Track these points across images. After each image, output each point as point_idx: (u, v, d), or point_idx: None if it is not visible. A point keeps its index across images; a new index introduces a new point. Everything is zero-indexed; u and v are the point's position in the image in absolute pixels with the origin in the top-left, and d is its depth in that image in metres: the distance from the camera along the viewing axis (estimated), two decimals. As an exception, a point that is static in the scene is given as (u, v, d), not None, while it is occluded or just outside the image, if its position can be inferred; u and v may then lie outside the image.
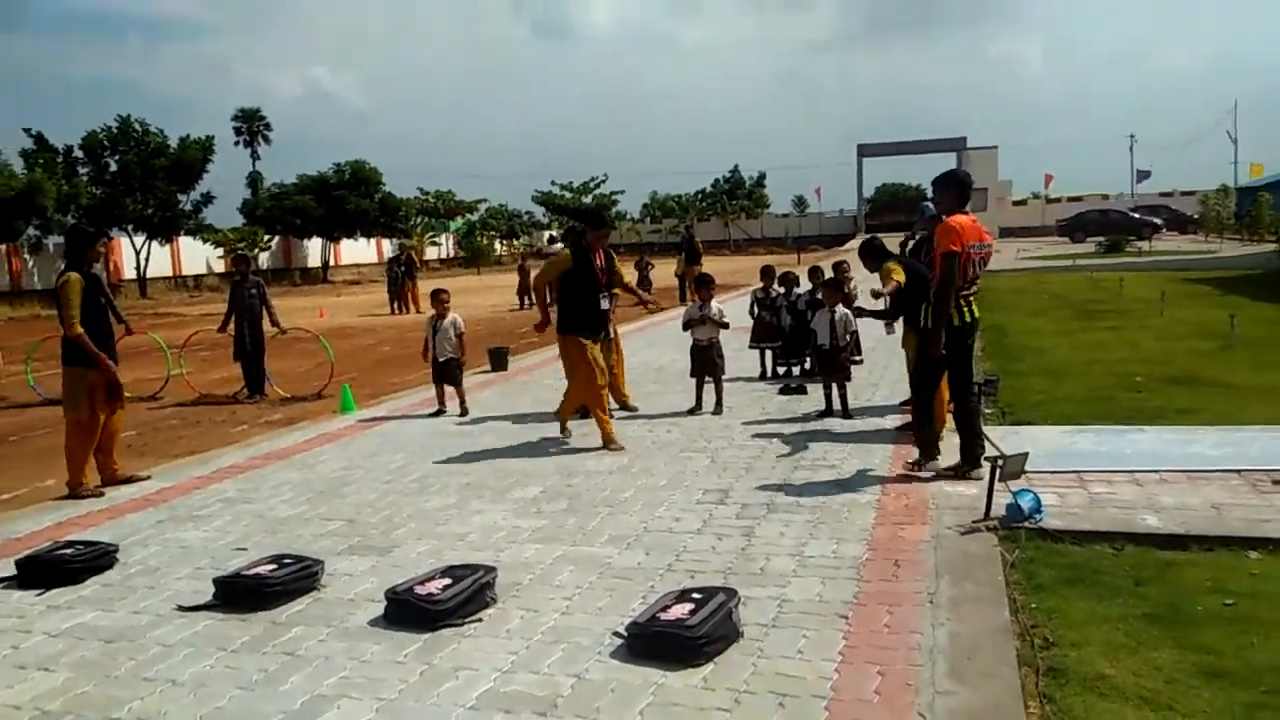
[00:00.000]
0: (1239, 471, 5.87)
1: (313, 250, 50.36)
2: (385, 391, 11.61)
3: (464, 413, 9.19)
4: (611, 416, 8.73)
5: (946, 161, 61.61)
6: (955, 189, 6.31)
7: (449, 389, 9.48)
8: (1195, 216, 48.87)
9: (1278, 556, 4.60)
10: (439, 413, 9.29)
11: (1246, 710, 3.25)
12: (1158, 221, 46.78)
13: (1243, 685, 3.42)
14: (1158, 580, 4.40)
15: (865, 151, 66.13)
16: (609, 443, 7.49)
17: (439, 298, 9.40)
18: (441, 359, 9.30)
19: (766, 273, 11.00)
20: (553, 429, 8.36)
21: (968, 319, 6.13)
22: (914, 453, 6.69)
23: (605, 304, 7.83)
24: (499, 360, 12.45)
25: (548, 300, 8.08)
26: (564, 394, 8.11)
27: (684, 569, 4.76)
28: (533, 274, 28.17)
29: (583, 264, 7.65)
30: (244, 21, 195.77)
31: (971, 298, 6.15)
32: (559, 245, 26.94)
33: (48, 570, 5.00)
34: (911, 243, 9.04)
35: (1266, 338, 11.90)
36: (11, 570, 5.11)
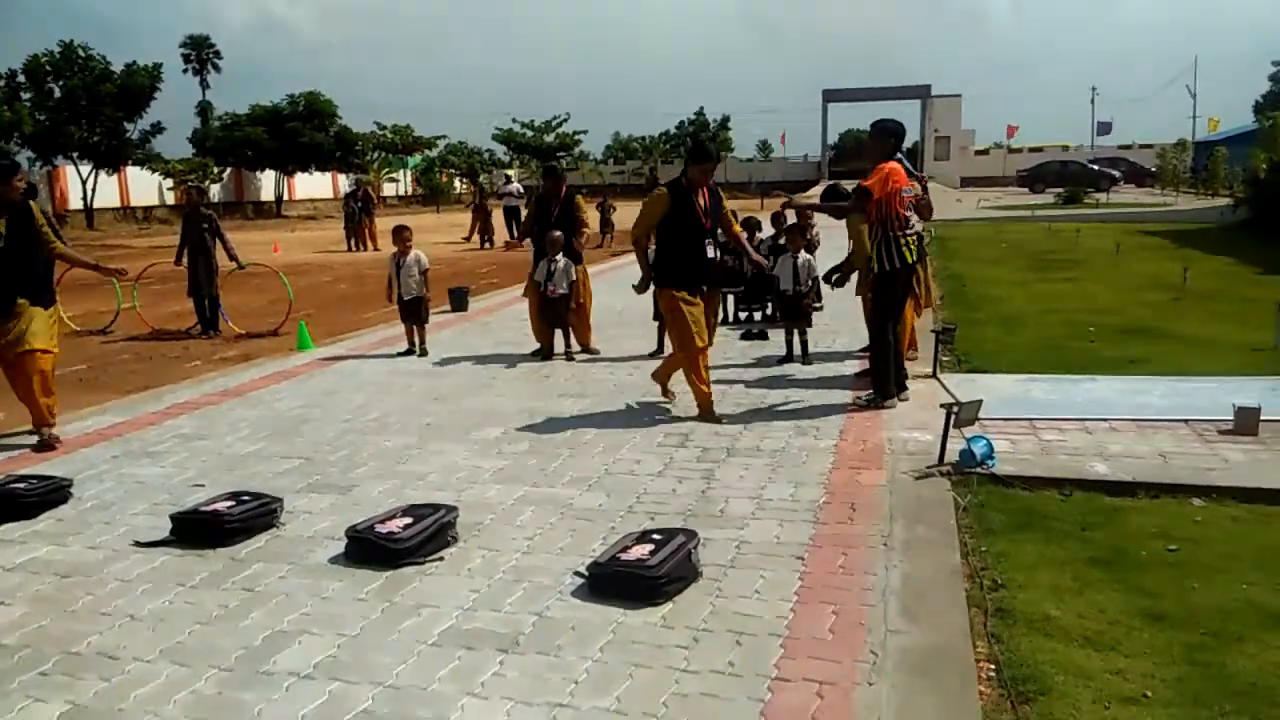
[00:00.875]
0: (1186, 421, 6.04)
1: (266, 184, 49.31)
2: (343, 330, 11.50)
3: (422, 352, 9.14)
4: (571, 358, 8.76)
5: (911, 109, 61.59)
6: (884, 137, 6.65)
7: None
8: (1153, 170, 49.43)
9: (1220, 504, 4.76)
10: (409, 351, 9.22)
11: (1186, 651, 3.39)
12: (1116, 174, 47.28)
13: (1183, 627, 3.56)
14: (1104, 526, 4.54)
15: (830, 97, 65.76)
16: (706, 412, 6.51)
17: (401, 234, 9.25)
18: (408, 297, 9.20)
19: (729, 217, 11.00)
20: (514, 371, 8.35)
21: (901, 262, 6.48)
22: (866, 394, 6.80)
23: (711, 252, 6.54)
24: (459, 300, 12.37)
25: (646, 252, 6.84)
26: (667, 356, 7.32)
27: (645, 511, 4.81)
28: (495, 214, 27.45)
29: (683, 206, 6.45)
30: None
31: (908, 240, 6.47)
32: (515, 185, 26.96)
33: (0, 504, 4.94)
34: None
35: (1218, 290, 12.16)
36: (-39, 504, 5.03)
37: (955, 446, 5.36)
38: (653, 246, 6.70)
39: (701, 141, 8.98)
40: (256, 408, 7.29)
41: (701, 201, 6.53)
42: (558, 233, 8.99)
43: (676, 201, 6.46)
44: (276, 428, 6.66)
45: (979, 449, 5.25)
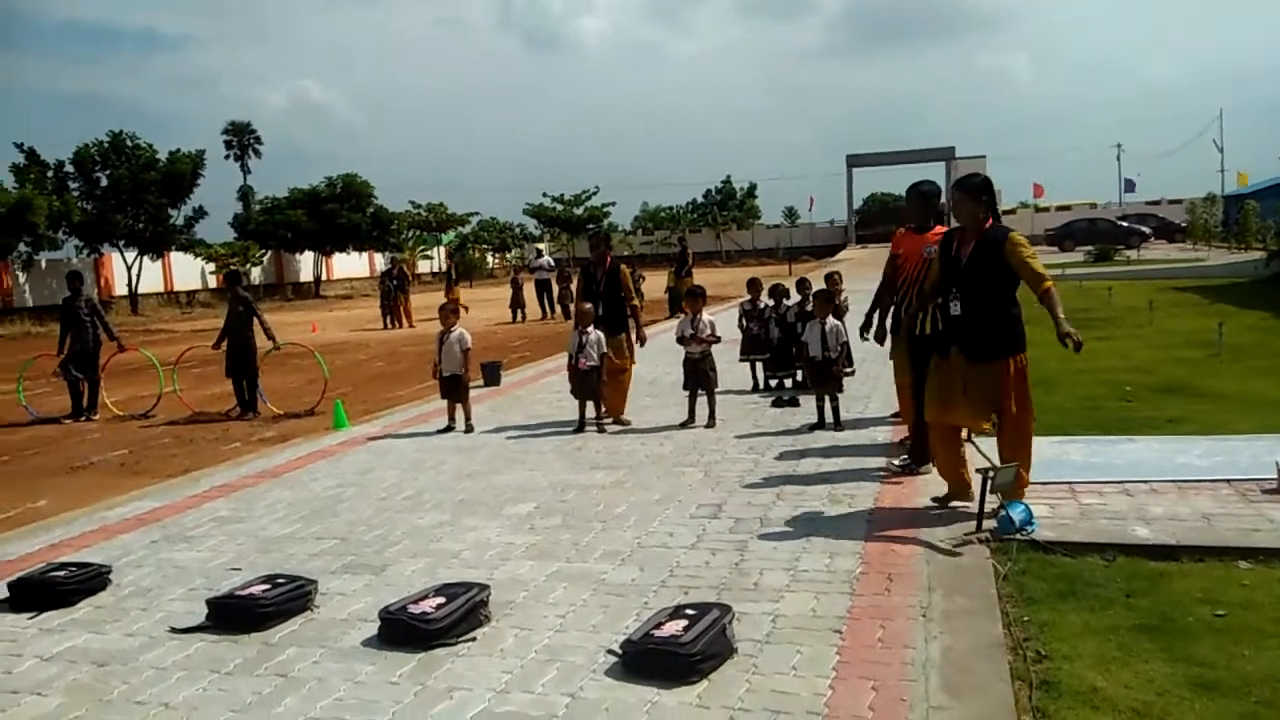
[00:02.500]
0: (1229, 481, 5.90)
1: (305, 264, 50.29)
2: (378, 407, 11.60)
3: (468, 429, 9.17)
4: (603, 430, 8.76)
5: (935, 171, 61.87)
6: (925, 200, 6.73)
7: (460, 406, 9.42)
8: (1183, 225, 49.14)
9: (1268, 566, 4.62)
10: (448, 429, 9.26)
11: (1238, 722, 3.27)
12: (1146, 230, 47.01)
13: (1234, 696, 3.43)
14: (1149, 591, 4.42)
15: (854, 162, 66.37)
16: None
17: (446, 313, 9.38)
18: (447, 374, 9.29)
19: (753, 285, 11.04)
20: (546, 444, 8.37)
21: (926, 329, 6.36)
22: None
23: (956, 308, 5.66)
24: (491, 374, 12.44)
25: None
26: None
27: (678, 585, 4.75)
28: (526, 285, 27.73)
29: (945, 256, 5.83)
30: (233, 35, 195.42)
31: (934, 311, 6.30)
32: (546, 259, 27.31)
33: (40, 592, 4.98)
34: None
35: (1254, 346, 11.96)
36: (3, 593, 5.08)
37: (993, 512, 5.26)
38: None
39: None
40: (293, 489, 7.33)
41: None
42: (588, 305, 9.08)
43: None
44: (312, 508, 6.68)
45: (1017, 515, 5.15)
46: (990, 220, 5.60)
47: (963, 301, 5.58)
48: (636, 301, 9.40)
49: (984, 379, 5.50)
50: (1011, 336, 5.47)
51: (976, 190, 5.62)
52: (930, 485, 6.27)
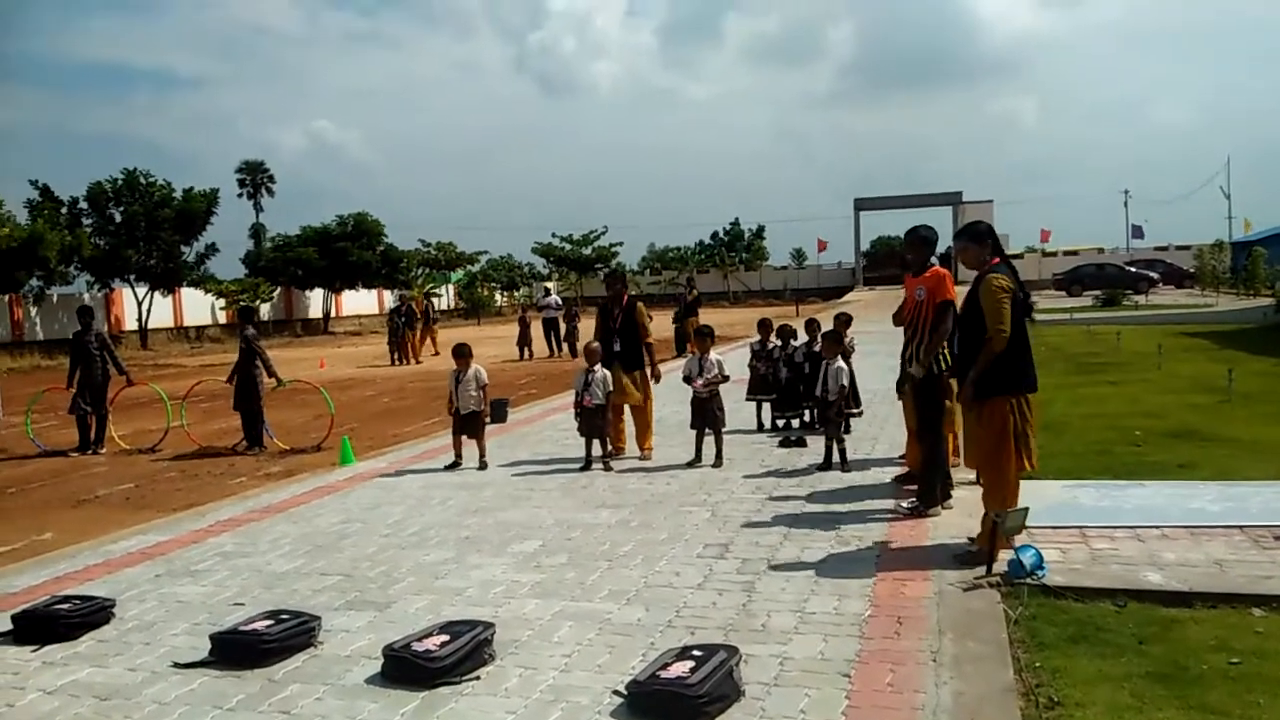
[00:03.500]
0: (1241, 527, 5.84)
1: (314, 301, 50.56)
2: (385, 443, 11.59)
3: (483, 465, 9.15)
4: (609, 468, 8.74)
5: (942, 215, 62.15)
6: (923, 245, 6.93)
7: (467, 441, 9.42)
8: (1191, 271, 49.17)
9: (1282, 614, 4.56)
10: (455, 465, 9.25)
11: (1255, 773, 3.20)
12: (1154, 275, 47.04)
13: (1250, 747, 3.37)
14: (1162, 638, 4.36)
15: (862, 205, 66.76)
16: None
17: (461, 352, 9.43)
18: (464, 411, 9.29)
19: (764, 325, 11.05)
20: (552, 481, 8.35)
21: (947, 366, 6.51)
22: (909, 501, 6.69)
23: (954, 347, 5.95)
24: (498, 412, 12.40)
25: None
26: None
27: (684, 625, 4.71)
28: (534, 324, 27.79)
29: (1019, 294, 5.59)
30: (249, 75, 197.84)
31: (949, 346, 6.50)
32: (553, 298, 27.45)
33: (43, 626, 4.95)
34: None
35: (1264, 392, 11.91)
36: (7, 625, 5.05)
37: (1003, 556, 5.22)
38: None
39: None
40: (298, 524, 7.31)
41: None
42: (595, 344, 9.12)
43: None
44: (317, 544, 6.66)
45: (1028, 559, 5.11)
46: (995, 261, 5.68)
47: (959, 341, 5.83)
48: (651, 339, 9.48)
49: (972, 418, 5.66)
50: (989, 378, 5.47)
51: (980, 235, 5.79)
52: (940, 526, 6.24)
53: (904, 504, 6.76)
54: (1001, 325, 5.41)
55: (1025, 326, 5.61)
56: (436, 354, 25.94)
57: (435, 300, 49.58)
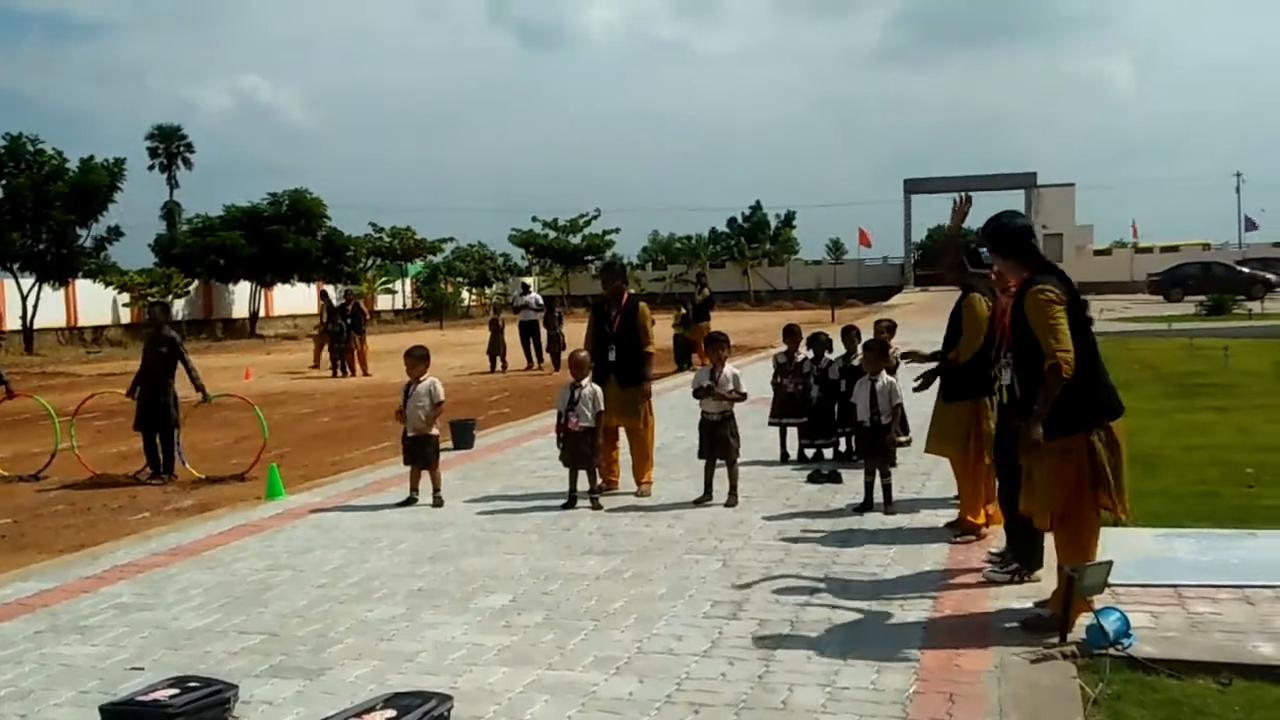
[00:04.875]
0: (1375, 588, 5.84)
1: (240, 297, 50.67)
2: (322, 473, 11.59)
3: (436, 502, 9.13)
4: (598, 507, 8.73)
5: (1013, 201, 62.31)
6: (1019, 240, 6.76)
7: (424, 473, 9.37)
8: (1318, 271, 49.29)
9: None
10: (410, 501, 9.23)
11: None
12: (1271, 277, 47.15)
13: None
14: (1276, 724, 4.35)
15: (914, 188, 67.06)
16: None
17: (414, 358, 9.39)
18: (411, 434, 9.26)
19: (791, 334, 11.07)
20: (527, 521, 8.34)
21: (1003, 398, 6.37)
22: (970, 551, 6.67)
23: (1007, 377, 6.09)
24: (463, 436, 12.44)
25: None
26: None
27: (686, 700, 4.71)
28: (509, 328, 27.86)
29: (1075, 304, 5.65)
30: (161, 19, 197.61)
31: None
32: (533, 296, 27.51)
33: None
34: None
35: (1405, 421, 11.91)
36: None
37: (1081, 621, 5.21)
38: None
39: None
40: (213, 570, 7.30)
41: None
42: (583, 352, 9.13)
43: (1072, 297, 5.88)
44: (236, 595, 6.65)
45: (1111, 625, 5.10)
46: (1031, 270, 5.65)
47: (1013, 369, 5.80)
48: (652, 347, 9.54)
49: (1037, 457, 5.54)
50: (1060, 412, 5.39)
51: (1008, 238, 5.81)
52: (1009, 586, 6.23)
53: (995, 569, 6.59)
54: (1062, 347, 5.31)
55: (1093, 340, 5.58)
56: (367, 374, 25.33)
57: (378, 299, 49.73)
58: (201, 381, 12.20)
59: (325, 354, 27.01)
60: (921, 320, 26.74)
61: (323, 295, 31.19)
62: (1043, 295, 5.43)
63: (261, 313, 50.74)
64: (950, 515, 8.03)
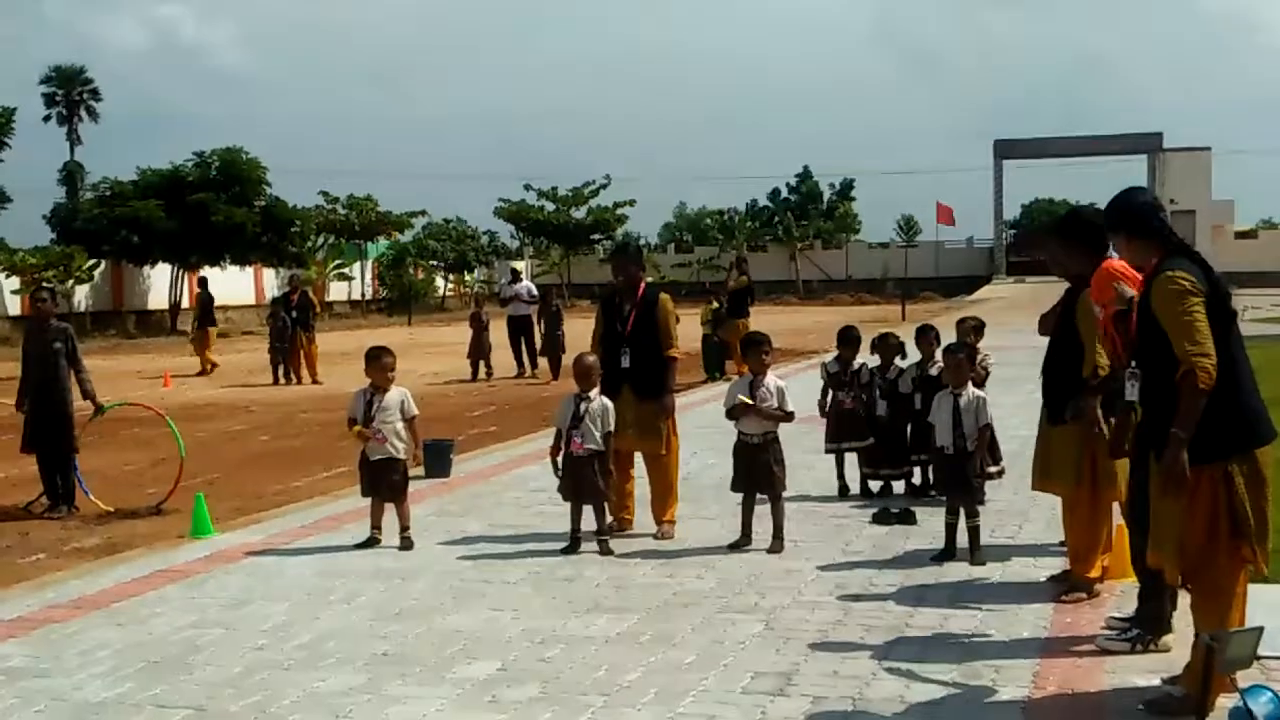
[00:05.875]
0: None
1: (158, 283, 50.74)
2: (261, 505, 11.60)
3: (406, 543, 9.12)
4: (608, 551, 8.73)
5: (1131, 169, 62.21)
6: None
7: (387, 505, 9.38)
8: None
9: None
10: (371, 541, 9.25)
11: None
12: None
13: None
14: None
15: (1006, 151, 67.03)
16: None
17: (380, 361, 9.38)
18: (376, 457, 9.26)
19: (848, 338, 10.99)
20: (518, 569, 8.33)
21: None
22: (1080, 612, 6.64)
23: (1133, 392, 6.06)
24: (438, 460, 12.43)
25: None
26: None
27: (721, 800, 4.70)
28: (495, 325, 27.84)
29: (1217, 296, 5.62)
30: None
31: None
32: (524, 285, 27.50)
33: None
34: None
35: None
36: None
37: (1224, 702, 5.18)
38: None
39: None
40: (125, 627, 7.31)
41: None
42: (590, 356, 9.12)
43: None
44: (153, 659, 6.65)
45: (1262, 708, 5.06)
46: (1160, 253, 5.64)
47: (1140, 380, 5.75)
48: (676, 350, 9.57)
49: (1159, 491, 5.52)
50: (1205, 434, 5.34)
51: (1131, 215, 5.85)
52: (1123, 655, 6.20)
53: (1113, 636, 6.55)
54: (1200, 350, 5.28)
55: (1239, 344, 5.53)
56: (316, 381, 25.50)
57: (330, 288, 49.70)
58: (93, 388, 12.18)
59: (209, 354, 27.71)
60: (1014, 318, 26.72)
61: (201, 284, 31.44)
62: (1175, 285, 5.39)
63: (185, 303, 50.79)
64: (1053, 566, 8.00)
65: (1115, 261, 6.73)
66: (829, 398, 10.78)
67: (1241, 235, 64.23)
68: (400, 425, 9.30)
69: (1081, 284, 7.06)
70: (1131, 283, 6.53)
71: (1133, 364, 5.83)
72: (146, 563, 9.03)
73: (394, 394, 9.36)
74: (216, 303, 51.71)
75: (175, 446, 12.41)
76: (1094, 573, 7.38)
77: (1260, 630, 5.42)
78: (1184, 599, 5.97)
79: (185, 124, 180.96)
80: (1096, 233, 6.91)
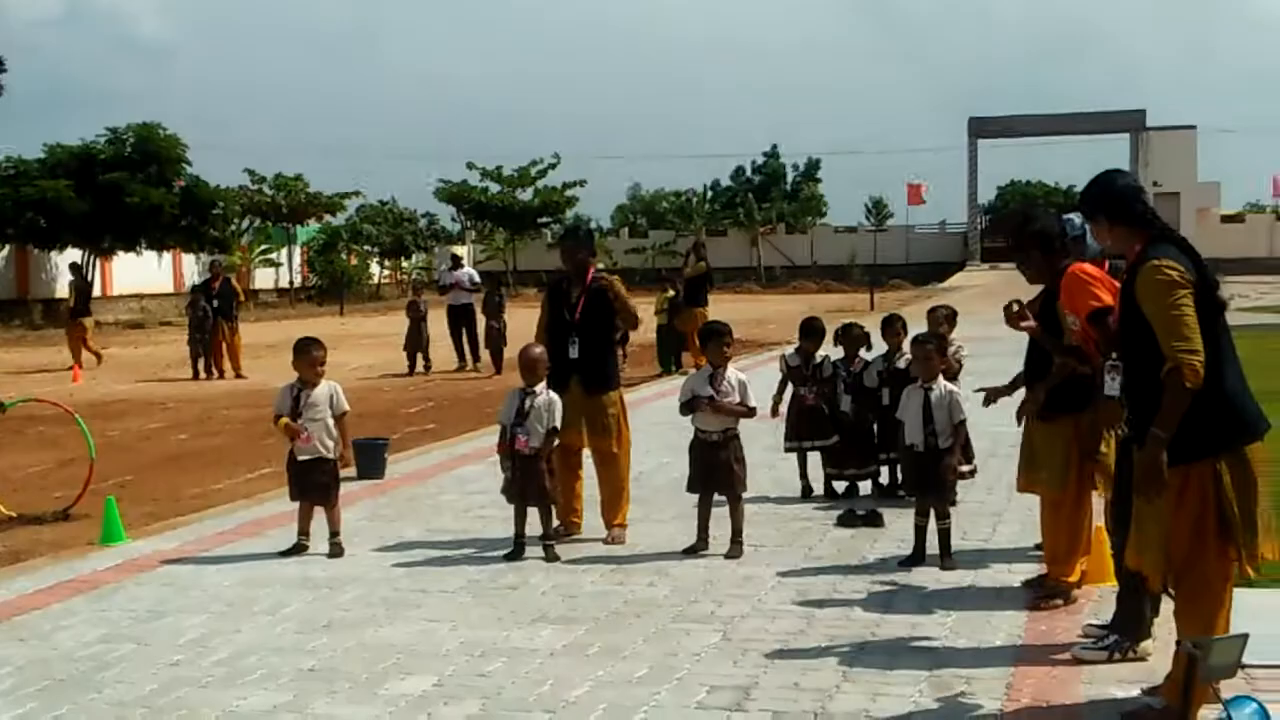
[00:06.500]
0: None
1: (65, 270, 50.31)
2: (179, 510, 11.53)
3: (336, 549, 9.09)
4: (554, 558, 8.73)
5: (1112, 148, 62.72)
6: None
7: (318, 510, 9.33)
8: None
9: None
10: (299, 547, 9.20)
11: None
12: None
13: None
14: None
15: (981, 129, 67.39)
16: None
17: (310, 353, 9.31)
18: (304, 457, 9.20)
19: (810, 329, 10.98)
20: (457, 576, 8.32)
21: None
22: (1056, 619, 6.69)
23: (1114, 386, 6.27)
24: (370, 460, 12.39)
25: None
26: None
27: (673, 823, 4.71)
28: (434, 314, 27.80)
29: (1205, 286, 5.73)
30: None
31: None
32: (465, 272, 27.45)
33: None
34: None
35: None
36: None
37: (1207, 715, 5.22)
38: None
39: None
40: (27, 642, 7.27)
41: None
42: (537, 348, 9.09)
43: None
44: (58, 677, 6.61)
45: (1246, 719, 5.11)
46: (1148, 239, 5.67)
47: (1123, 374, 5.83)
48: (636, 315, 9.86)
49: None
50: (1193, 431, 5.39)
51: (1113, 199, 5.83)
52: (1100, 664, 6.26)
53: (1090, 645, 6.60)
54: (1187, 345, 5.28)
55: (1227, 336, 5.57)
56: (240, 374, 25.42)
57: (254, 275, 49.43)
58: None
59: (86, 349, 27.37)
60: (989, 309, 26.83)
61: (73, 270, 31.34)
62: (1162, 275, 5.40)
63: (97, 290, 50.42)
64: (1029, 571, 8.06)
65: (1086, 266, 6.83)
66: (787, 393, 10.78)
67: (1228, 219, 64.76)
68: (330, 422, 9.25)
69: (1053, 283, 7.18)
70: (1106, 288, 6.61)
71: (1113, 356, 5.87)
72: (51, 572, 8.96)
73: (323, 389, 9.31)
74: (128, 291, 51.93)
75: (84, 446, 12.31)
76: (1073, 576, 7.43)
77: (1245, 637, 5.47)
78: (1166, 606, 6.03)
79: (97, 97, 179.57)
80: (1047, 240, 7.20)
